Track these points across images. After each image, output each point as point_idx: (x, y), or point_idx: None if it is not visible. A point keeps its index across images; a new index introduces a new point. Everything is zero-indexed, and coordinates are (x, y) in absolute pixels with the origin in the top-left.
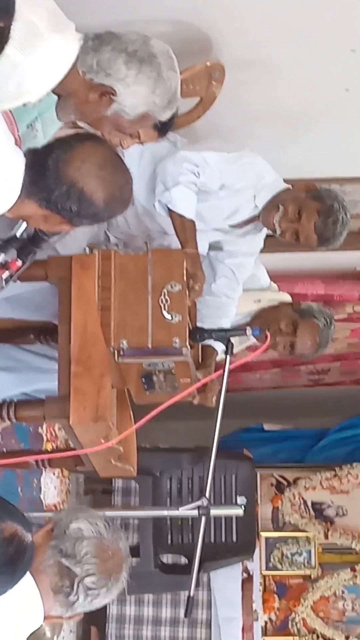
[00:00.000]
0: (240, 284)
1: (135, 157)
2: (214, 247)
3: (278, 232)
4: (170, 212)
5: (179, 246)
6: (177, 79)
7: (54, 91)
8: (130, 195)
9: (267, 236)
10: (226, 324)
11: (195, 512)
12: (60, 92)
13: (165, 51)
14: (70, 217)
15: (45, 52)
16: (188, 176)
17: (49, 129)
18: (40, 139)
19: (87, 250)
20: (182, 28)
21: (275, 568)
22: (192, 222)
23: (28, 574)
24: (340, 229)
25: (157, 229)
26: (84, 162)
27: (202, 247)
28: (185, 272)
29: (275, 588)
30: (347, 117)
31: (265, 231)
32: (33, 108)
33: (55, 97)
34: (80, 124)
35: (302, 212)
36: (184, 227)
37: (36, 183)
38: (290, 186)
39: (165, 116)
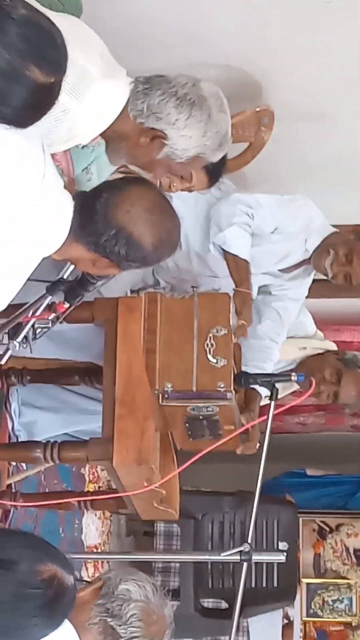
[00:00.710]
0: (285, 328)
1: (191, 202)
2: (263, 291)
3: (330, 275)
4: (225, 253)
5: (229, 290)
6: (227, 120)
7: (104, 135)
8: (178, 239)
9: (314, 281)
10: (269, 367)
11: (237, 558)
12: (111, 135)
13: (215, 93)
14: (118, 260)
15: (96, 97)
16: (242, 217)
17: (104, 173)
18: (94, 182)
19: (129, 293)
20: (232, 73)
21: (316, 615)
22: (247, 262)
23: (73, 630)
24: None
25: (208, 274)
26: (132, 205)
27: (252, 291)
28: (230, 313)
29: (315, 635)
30: None
31: (312, 277)
32: (91, 152)
33: None
34: (132, 167)
35: (354, 255)
36: (238, 267)
37: (85, 226)
38: (337, 230)
39: (216, 157)
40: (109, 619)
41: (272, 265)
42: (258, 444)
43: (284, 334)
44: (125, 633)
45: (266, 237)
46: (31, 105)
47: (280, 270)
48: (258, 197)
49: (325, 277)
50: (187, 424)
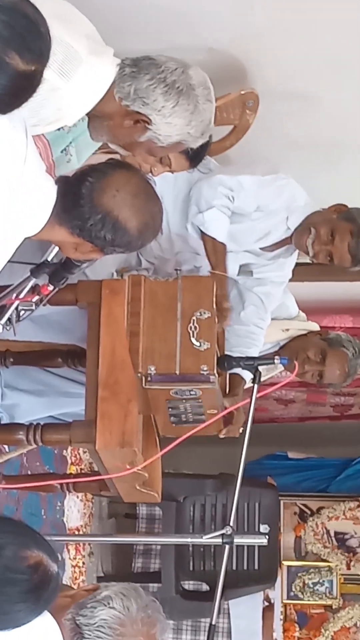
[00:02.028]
0: (268, 313)
1: (170, 180)
2: (244, 271)
3: (311, 254)
4: (203, 234)
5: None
6: (212, 109)
7: (88, 113)
8: (161, 223)
9: (296, 264)
10: (254, 353)
11: (219, 541)
12: (95, 113)
13: (203, 82)
14: (103, 245)
15: (82, 76)
16: (222, 200)
17: (83, 154)
18: (74, 164)
19: (116, 275)
20: (217, 56)
21: (296, 597)
22: (224, 245)
23: (54, 621)
24: None
25: (189, 251)
26: (118, 190)
27: (233, 269)
28: (214, 298)
29: (296, 617)
30: None
31: (295, 258)
32: (68, 134)
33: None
34: (112, 146)
35: (335, 234)
36: (215, 250)
37: (69, 211)
38: (320, 209)
39: (197, 144)
40: (77, 618)
41: (253, 243)
42: (241, 428)
43: (268, 319)
44: (89, 635)
45: (247, 215)
46: (10, 92)
47: (261, 249)
48: (240, 178)
49: (308, 261)
50: (169, 409)
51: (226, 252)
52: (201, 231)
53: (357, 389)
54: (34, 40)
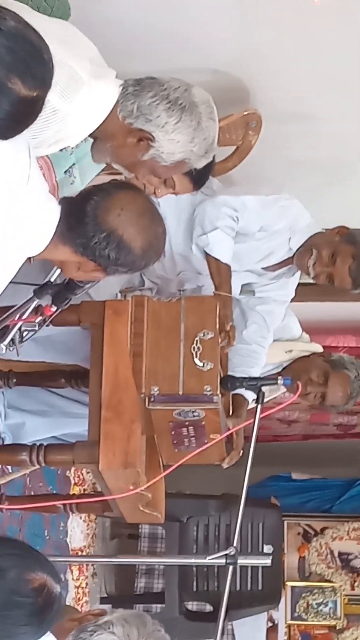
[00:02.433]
0: (270, 332)
1: (173, 201)
2: (246, 290)
3: (312, 275)
4: (207, 255)
5: (213, 287)
6: (215, 128)
7: (91, 134)
8: (164, 244)
9: (300, 285)
10: (256, 372)
11: (222, 561)
12: (98, 134)
13: (206, 100)
14: (106, 264)
15: (85, 98)
16: (226, 221)
17: (87, 176)
18: (78, 185)
19: (120, 295)
20: (221, 78)
21: (300, 618)
22: (228, 266)
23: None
24: None
25: (192, 270)
26: (123, 209)
27: (235, 289)
28: (217, 319)
29: (300, 638)
30: None
31: (297, 277)
32: (71, 155)
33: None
34: (116, 166)
35: (337, 256)
36: (220, 271)
37: (74, 229)
38: (323, 230)
39: (201, 164)
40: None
41: (255, 263)
42: (242, 452)
43: (270, 338)
44: None
45: (251, 235)
46: (12, 117)
47: (263, 269)
48: (244, 199)
49: (311, 281)
50: (172, 432)
51: (230, 273)
52: (205, 252)
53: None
54: (37, 66)
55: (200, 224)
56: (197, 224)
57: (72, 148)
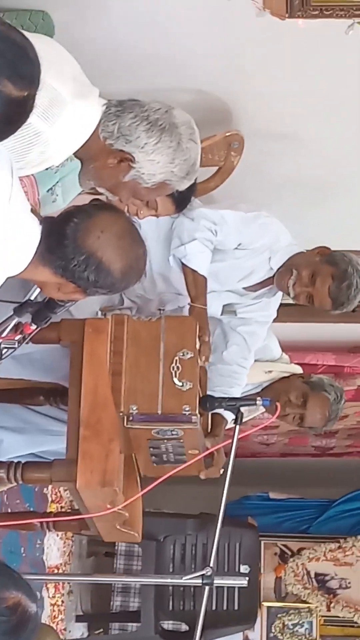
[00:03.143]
0: (252, 353)
1: (153, 220)
2: (228, 311)
3: (292, 295)
4: (184, 266)
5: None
6: (197, 150)
7: (75, 154)
8: (144, 266)
9: (280, 305)
10: (237, 392)
11: (199, 582)
12: (80, 155)
13: (187, 122)
14: (86, 286)
15: (68, 118)
16: (205, 233)
17: (69, 194)
18: (60, 203)
19: (100, 313)
20: (203, 98)
21: (276, 638)
22: (204, 278)
23: None
24: (355, 292)
25: (171, 291)
26: (103, 231)
27: (216, 309)
28: (197, 338)
29: None
30: None
31: (279, 298)
32: (55, 173)
33: (77, 163)
34: (99, 189)
35: (317, 277)
36: (196, 283)
37: (53, 250)
38: (304, 250)
39: (182, 186)
40: None
41: (236, 283)
42: (222, 469)
43: (251, 359)
44: None
45: (230, 253)
46: (4, 119)
47: (244, 289)
48: (223, 213)
49: (290, 302)
50: (151, 448)
51: (207, 285)
52: (182, 263)
53: (337, 430)
54: (24, 66)
55: (178, 235)
56: (175, 235)
57: (57, 167)
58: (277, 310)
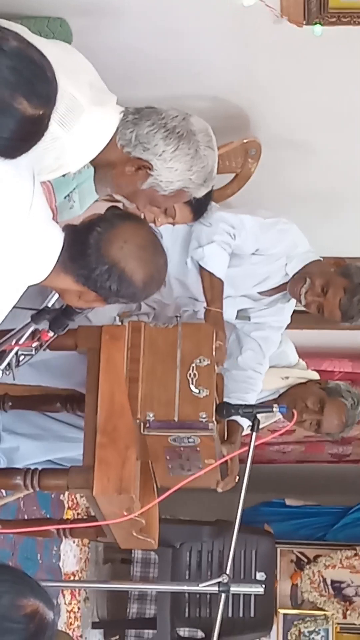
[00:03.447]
0: (266, 358)
1: (169, 225)
2: (242, 315)
3: (303, 302)
4: (201, 269)
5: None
6: (214, 157)
7: (92, 162)
8: (165, 276)
9: (296, 312)
10: (252, 398)
11: (215, 589)
12: (98, 162)
13: (204, 129)
14: (107, 295)
15: (85, 125)
16: (223, 236)
17: (86, 201)
18: (77, 210)
19: (117, 319)
20: (220, 105)
21: None
22: (221, 281)
23: None
24: None
25: (188, 296)
26: (126, 242)
27: (230, 314)
28: (214, 345)
29: None
30: None
31: (293, 303)
32: (72, 180)
33: (92, 169)
34: (117, 197)
35: (329, 287)
36: (212, 286)
37: (76, 259)
38: (321, 258)
39: (200, 193)
40: None
41: (251, 288)
42: (237, 477)
43: (266, 364)
44: None
45: (246, 258)
46: (19, 137)
47: (259, 293)
48: (242, 217)
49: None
50: (167, 456)
51: (223, 288)
52: (200, 266)
53: (353, 437)
54: (41, 84)
55: (196, 238)
56: (193, 238)
57: (74, 174)
58: (293, 317)
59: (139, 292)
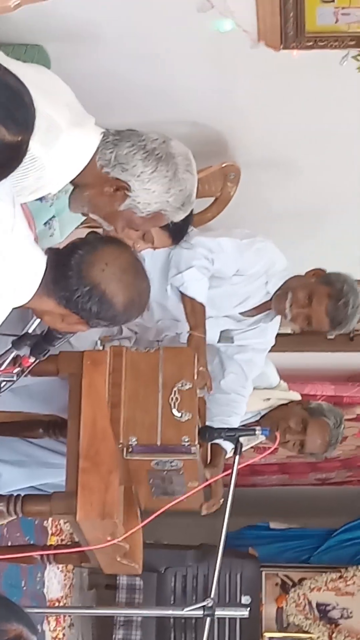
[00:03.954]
0: (249, 381)
1: (149, 250)
2: (225, 337)
3: (289, 317)
4: (182, 295)
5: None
6: (193, 181)
7: (71, 182)
8: (147, 300)
9: (278, 335)
10: (235, 421)
11: (200, 613)
12: (77, 182)
13: (184, 153)
14: (88, 318)
15: (64, 145)
16: (201, 261)
17: (66, 228)
18: (57, 238)
19: (99, 343)
20: (199, 130)
21: None
22: (203, 306)
23: None
24: (352, 310)
25: (169, 318)
26: (107, 264)
27: (213, 335)
28: (195, 369)
29: None
30: None
31: (277, 324)
32: (50, 207)
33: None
34: (93, 216)
35: (313, 297)
36: (195, 311)
37: (58, 282)
38: (299, 273)
39: (177, 217)
40: None
41: (233, 308)
42: (222, 500)
43: (250, 387)
44: None
45: (227, 280)
46: None
47: (241, 314)
48: (220, 240)
49: (288, 332)
50: (150, 480)
51: (205, 312)
52: (180, 292)
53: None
54: (19, 110)
55: (175, 264)
56: (172, 265)
57: (52, 199)
58: (275, 339)
59: (120, 315)
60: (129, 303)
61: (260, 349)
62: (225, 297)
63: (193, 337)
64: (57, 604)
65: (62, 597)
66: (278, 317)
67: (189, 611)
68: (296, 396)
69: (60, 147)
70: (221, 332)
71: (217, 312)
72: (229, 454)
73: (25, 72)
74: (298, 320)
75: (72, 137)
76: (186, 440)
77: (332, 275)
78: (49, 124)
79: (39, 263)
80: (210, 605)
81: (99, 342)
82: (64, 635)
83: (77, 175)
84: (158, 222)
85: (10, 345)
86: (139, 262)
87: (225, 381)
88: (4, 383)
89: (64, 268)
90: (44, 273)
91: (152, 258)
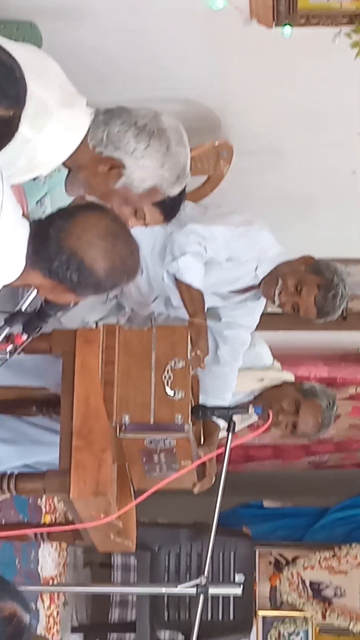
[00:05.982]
0: (240, 355)
1: (147, 234)
2: (212, 314)
3: (277, 304)
4: (178, 283)
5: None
6: (186, 154)
7: (64, 164)
8: (136, 265)
9: (271, 314)
10: (229, 396)
11: (193, 591)
12: (70, 165)
13: (175, 127)
14: (72, 286)
15: (55, 127)
16: (195, 247)
17: (58, 205)
18: None
19: (91, 322)
20: (193, 107)
21: None
22: (200, 292)
23: None
24: (340, 302)
25: (167, 295)
26: (84, 232)
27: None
28: (189, 345)
29: None
30: (354, 199)
31: (263, 303)
32: (43, 184)
33: (65, 173)
34: (89, 198)
35: (302, 286)
36: (192, 298)
37: (38, 253)
38: (289, 259)
39: (174, 191)
40: None
41: (221, 288)
42: (214, 478)
43: (240, 361)
44: None
45: (217, 265)
46: None
47: (229, 292)
48: (213, 229)
49: (280, 311)
50: (144, 459)
51: (203, 299)
52: (176, 280)
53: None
54: (10, 85)
55: (170, 251)
56: (167, 252)
57: (45, 178)
58: (269, 319)
59: (103, 282)
60: (110, 269)
61: (246, 326)
62: (216, 281)
63: (193, 324)
64: (51, 582)
65: (56, 575)
66: (264, 298)
67: (183, 588)
68: (290, 376)
69: (52, 128)
70: (208, 309)
71: (204, 289)
72: (223, 432)
73: (17, 52)
74: (286, 307)
75: (62, 118)
76: (179, 418)
77: (321, 264)
78: (40, 105)
79: (23, 237)
80: (203, 583)
81: (90, 322)
82: (58, 613)
83: (70, 157)
84: (154, 198)
85: (2, 323)
86: (119, 227)
87: (220, 352)
88: None
89: (43, 238)
90: (27, 246)
91: (151, 236)
